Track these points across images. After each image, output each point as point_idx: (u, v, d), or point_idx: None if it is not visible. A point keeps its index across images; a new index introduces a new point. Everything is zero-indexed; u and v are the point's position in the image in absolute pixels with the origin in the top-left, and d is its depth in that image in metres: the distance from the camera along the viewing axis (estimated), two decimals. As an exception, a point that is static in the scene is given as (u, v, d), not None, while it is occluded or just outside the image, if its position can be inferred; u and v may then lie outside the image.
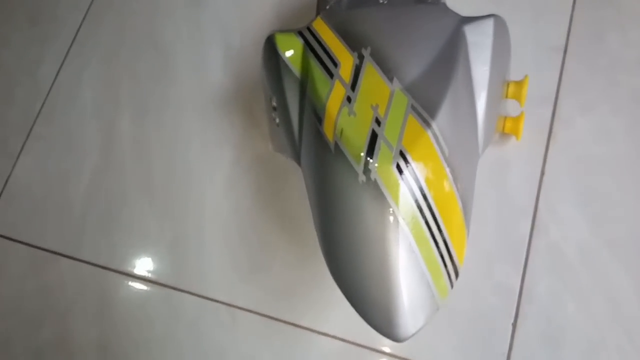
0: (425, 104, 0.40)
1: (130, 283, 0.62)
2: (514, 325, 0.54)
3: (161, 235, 0.63)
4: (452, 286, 0.41)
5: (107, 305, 0.61)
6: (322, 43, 0.46)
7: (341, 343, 0.57)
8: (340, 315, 0.57)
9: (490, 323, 0.55)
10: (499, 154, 0.59)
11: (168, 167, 0.65)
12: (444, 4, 0.51)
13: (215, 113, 0.66)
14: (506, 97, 0.52)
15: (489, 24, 0.46)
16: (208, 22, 0.70)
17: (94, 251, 0.63)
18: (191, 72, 0.68)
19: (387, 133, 0.39)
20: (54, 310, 0.62)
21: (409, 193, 0.37)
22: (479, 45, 0.45)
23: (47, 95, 0.70)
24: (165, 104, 0.67)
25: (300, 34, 0.47)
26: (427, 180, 0.38)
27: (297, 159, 0.47)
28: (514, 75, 0.53)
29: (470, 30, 0.46)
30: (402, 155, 0.38)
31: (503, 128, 0.55)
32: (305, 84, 0.45)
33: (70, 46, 0.71)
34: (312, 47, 0.46)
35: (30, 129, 0.69)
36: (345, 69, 0.44)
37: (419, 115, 0.39)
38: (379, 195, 0.37)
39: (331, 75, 0.44)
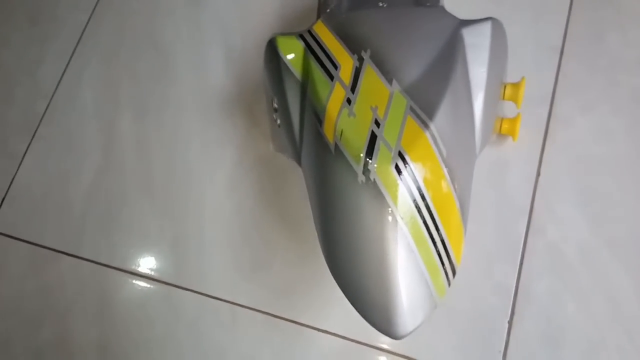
0: (423, 105, 0.41)
1: (130, 282, 0.62)
2: (510, 323, 0.55)
3: (162, 235, 0.63)
4: (449, 284, 0.42)
5: (107, 305, 0.62)
6: (323, 46, 0.47)
7: (341, 340, 0.57)
8: (340, 313, 0.57)
9: (489, 322, 0.55)
10: (497, 154, 0.59)
11: (168, 166, 0.65)
12: (442, 7, 0.51)
13: (217, 113, 0.66)
14: (503, 98, 0.53)
15: (487, 27, 0.46)
16: (208, 22, 0.70)
17: (94, 250, 0.63)
18: (191, 72, 0.68)
19: (386, 134, 0.39)
20: (54, 310, 0.62)
21: (407, 193, 0.38)
22: (477, 47, 0.46)
23: (53, 96, 0.70)
24: (165, 104, 0.67)
25: (301, 36, 0.48)
26: (425, 180, 0.38)
27: (298, 159, 0.48)
28: (513, 75, 0.53)
29: (468, 33, 0.46)
30: (401, 155, 0.38)
31: (500, 129, 0.55)
32: (305, 86, 0.46)
33: (76, 47, 0.72)
34: (313, 49, 0.47)
35: (36, 130, 0.69)
36: (345, 71, 0.44)
37: (418, 116, 0.40)
38: (378, 195, 0.38)
39: (331, 77, 0.44)
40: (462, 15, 0.48)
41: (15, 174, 0.67)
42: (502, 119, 0.55)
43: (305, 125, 0.46)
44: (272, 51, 0.48)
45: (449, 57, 0.44)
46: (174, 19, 0.71)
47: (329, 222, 0.41)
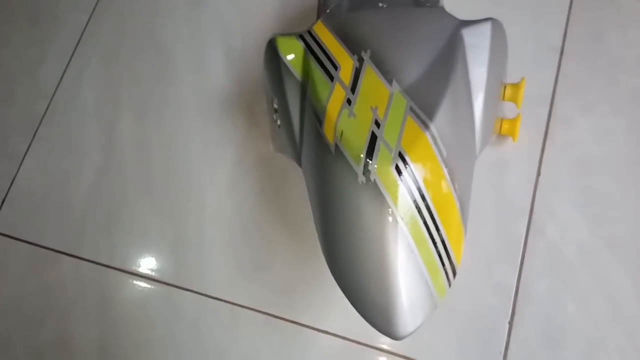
0: (423, 105, 0.41)
1: (130, 282, 0.62)
2: (510, 323, 0.55)
3: (162, 235, 0.63)
4: (450, 285, 0.42)
5: (108, 306, 0.62)
6: (323, 46, 0.47)
7: (341, 341, 0.57)
8: (340, 313, 0.57)
9: (489, 322, 0.55)
10: (498, 154, 0.59)
11: (168, 166, 0.65)
12: (442, 8, 0.51)
13: (217, 114, 0.66)
14: (503, 99, 0.53)
15: (487, 27, 0.46)
16: (208, 22, 0.70)
17: (94, 251, 0.63)
18: (191, 72, 0.68)
19: (386, 135, 0.39)
20: (54, 310, 0.62)
21: (407, 193, 0.38)
22: (477, 47, 0.46)
23: (53, 96, 0.70)
24: (166, 104, 0.67)
25: (301, 37, 0.48)
26: (425, 181, 0.38)
27: (298, 159, 0.48)
28: (513, 75, 0.53)
29: (468, 33, 0.46)
30: (401, 156, 0.38)
31: (500, 129, 0.55)
32: (306, 87, 0.46)
33: (76, 47, 0.72)
34: (313, 50, 0.47)
35: (36, 130, 0.69)
36: (345, 71, 0.44)
37: (418, 117, 0.40)
38: (378, 196, 0.38)
39: (331, 78, 0.44)
40: (462, 15, 0.48)
41: (16, 174, 0.67)
42: (502, 120, 0.55)
43: (306, 126, 0.46)
44: (272, 51, 0.48)
45: (449, 57, 0.44)
46: (174, 19, 0.71)
47: (329, 222, 0.41)
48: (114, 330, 0.61)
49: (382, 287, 0.38)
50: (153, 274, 0.62)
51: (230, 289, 0.60)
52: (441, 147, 0.40)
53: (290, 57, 0.47)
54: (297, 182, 0.62)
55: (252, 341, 0.58)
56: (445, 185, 0.40)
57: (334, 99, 0.42)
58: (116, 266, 0.63)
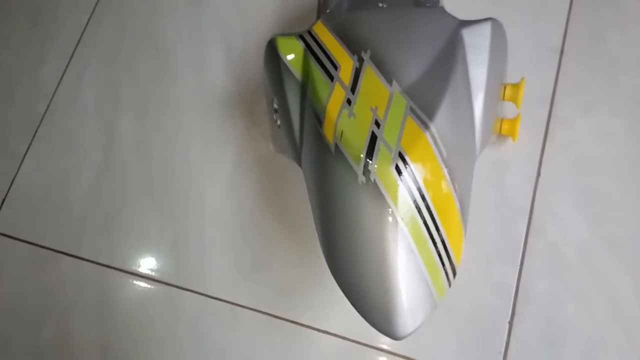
0: (423, 106, 0.41)
1: (130, 282, 0.62)
2: (510, 323, 0.55)
3: (162, 235, 0.63)
4: (450, 285, 0.42)
5: (108, 306, 0.62)
6: (323, 46, 0.47)
7: (341, 341, 0.57)
8: (340, 313, 0.57)
9: (489, 322, 0.55)
10: (497, 155, 0.59)
11: (168, 166, 0.65)
12: (442, 8, 0.51)
13: (217, 114, 0.66)
14: (503, 99, 0.53)
15: (487, 27, 0.46)
16: (208, 22, 0.70)
17: (94, 251, 0.63)
18: (191, 72, 0.68)
19: (386, 135, 0.39)
20: (54, 310, 0.62)
21: (407, 194, 0.38)
22: (477, 47, 0.46)
23: (53, 96, 0.70)
24: (165, 104, 0.67)
25: (301, 37, 0.48)
26: (425, 181, 0.38)
27: (298, 159, 0.48)
28: (513, 75, 0.53)
29: (468, 33, 0.46)
30: (401, 156, 0.38)
31: (500, 130, 0.55)
32: (306, 87, 0.46)
33: (76, 47, 0.72)
34: (313, 50, 0.47)
35: (36, 130, 0.69)
36: (346, 71, 0.44)
37: (418, 117, 0.40)
38: (378, 196, 0.38)
39: (331, 78, 0.44)
40: (462, 15, 0.48)
41: (16, 174, 0.67)
42: (502, 120, 0.55)
43: (305, 126, 0.46)
44: (272, 52, 0.48)
45: (449, 57, 0.44)
46: (174, 19, 0.71)
47: (329, 222, 0.41)
48: (114, 330, 0.61)
49: (382, 287, 0.38)
50: (153, 274, 0.62)
51: (230, 289, 0.60)
52: (441, 147, 0.40)
53: (290, 57, 0.47)
54: (297, 182, 0.62)
55: (252, 341, 0.58)
56: (445, 186, 0.40)
57: (334, 99, 0.42)
58: (116, 266, 0.63)
